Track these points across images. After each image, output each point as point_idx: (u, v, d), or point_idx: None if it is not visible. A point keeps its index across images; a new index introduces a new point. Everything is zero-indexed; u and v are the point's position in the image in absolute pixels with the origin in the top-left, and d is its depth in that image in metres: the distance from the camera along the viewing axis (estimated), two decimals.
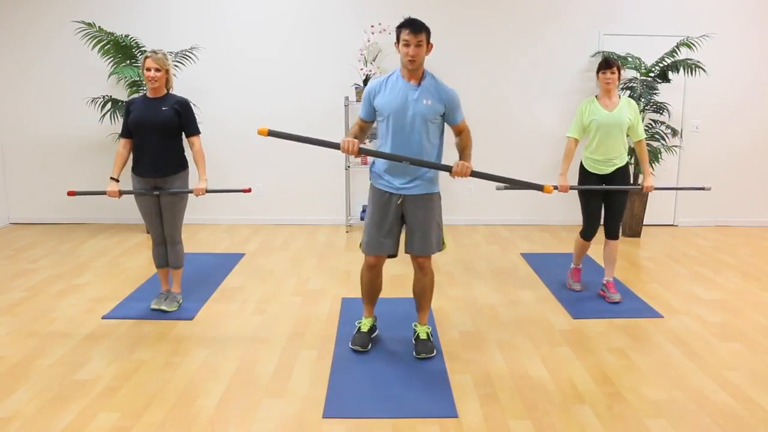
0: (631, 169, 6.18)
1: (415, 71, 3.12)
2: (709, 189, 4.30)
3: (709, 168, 6.56)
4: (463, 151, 3.26)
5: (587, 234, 4.35)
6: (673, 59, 6.01)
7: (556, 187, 4.00)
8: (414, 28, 3.04)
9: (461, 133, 3.27)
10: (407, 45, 3.04)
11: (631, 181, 4.32)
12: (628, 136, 4.22)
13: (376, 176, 3.30)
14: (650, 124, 6.25)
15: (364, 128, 3.28)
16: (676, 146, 6.33)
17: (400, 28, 3.08)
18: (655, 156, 6.06)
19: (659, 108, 6.14)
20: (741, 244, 5.90)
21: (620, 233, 4.36)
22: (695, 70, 5.93)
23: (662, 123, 6.20)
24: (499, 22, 6.33)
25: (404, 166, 3.15)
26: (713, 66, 6.22)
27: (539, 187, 3.17)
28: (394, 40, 3.17)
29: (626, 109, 4.13)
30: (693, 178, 6.56)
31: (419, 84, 3.13)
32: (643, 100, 5.98)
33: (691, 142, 6.49)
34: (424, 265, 3.35)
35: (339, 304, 4.22)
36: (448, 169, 3.11)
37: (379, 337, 3.60)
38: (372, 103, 3.21)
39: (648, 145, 6.09)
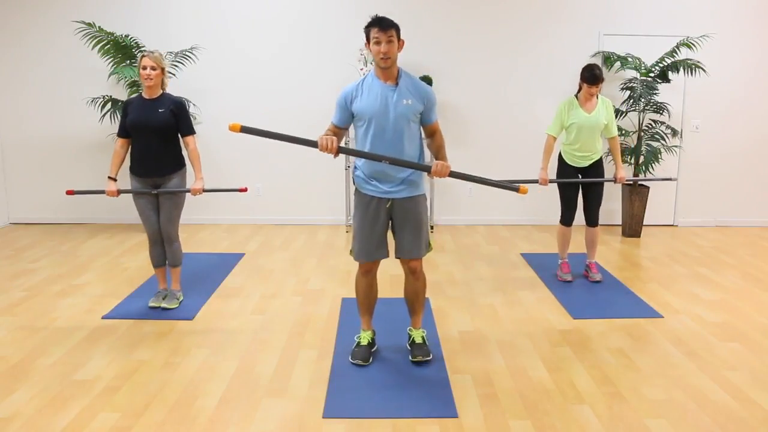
0: (633, 169, 6.21)
1: (389, 70, 3.04)
2: (675, 180, 4.94)
3: (709, 168, 6.56)
4: (439, 151, 3.18)
5: (566, 220, 4.74)
6: (673, 59, 6.01)
7: (536, 181, 4.51)
8: (382, 25, 2.98)
9: (434, 133, 3.20)
10: (378, 43, 2.98)
11: (605, 176, 4.71)
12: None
13: (361, 181, 3.21)
14: (650, 124, 6.25)
15: (338, 135, 3.15)
16: (676, 146, 6.33)
17: (368, 27, 3.02)
18: (655, 156, 6.06)
19: (659, 108, 6.14)
20: (741, 244, 5.91)
21: (599, 220, 4.74)
22: (695, 70, 5.93)
23: (662, 123, 6.20)
24: (498, 22, 6.33)
25: (390, 170, 3.09)
26: (713, 66, 6.22)
27: (515, 188, 3.04)
28: (365, 41, 3.09)
29: (603, 110, 4.49)
30: (693, 178, 6.56)
31: (396, 84, 3.07)
32: (643, 100, 5.98)
33: (691, 142, 6.49)
34: (416, 268, 3.30)
35: (339, 304, 4.22)
36: (426, 169, 3.05)
37: (379, 338, 3.59)
38: (349, 109, 3.11)
39: (648, 145, 6.11)
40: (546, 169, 4.55)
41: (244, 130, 2.87)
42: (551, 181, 4.56)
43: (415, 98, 3.08)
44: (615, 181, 4.62)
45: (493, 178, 3.31)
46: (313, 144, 2.98)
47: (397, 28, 3.03)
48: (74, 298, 4.32)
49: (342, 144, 3.22)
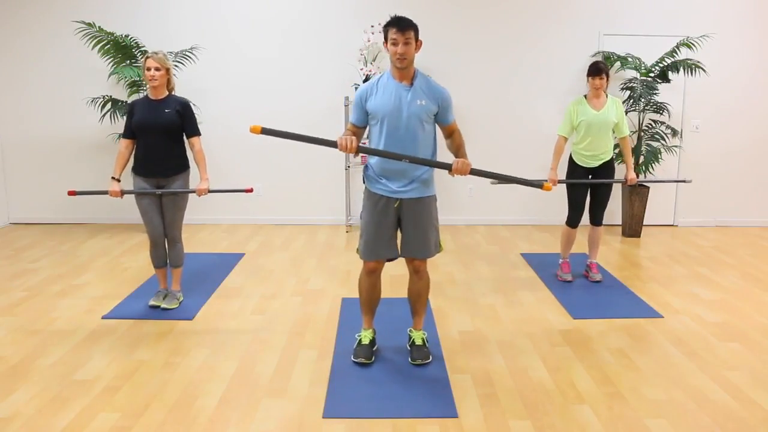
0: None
1: (405, 70, 3.06)
2: (690, 181, 4.83)
3: (709, 168, 6.56)
4: (458, 150, 3.19)
5: (572, 221, 4.69)
6: (673, 59, 6.01)
7: (545, 181, 4.39)
8: (401, 25, 2.98)
9: (453, 133, 3.21)
10: (395, 44, 2.98)
11: (615, 176, 4.72)
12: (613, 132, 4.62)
13: (371, 179, 3.22)
14: (650, 124, 6.25)
15: (357, 134, 3.17)
16: (676, 146, 6.33)
17: (387, 27, 3.03)
18: (655, 156, 6.06)
19: (659, 108, 6.14)
20: (741, 244, 5.90)
21: (603, 220, 4.74)
22: (695, 70, 5.93)
23: (662, 123, 6.21)
24: (499, 22, 6.33)
25: (401, 169, 3.10)
26: (713, 66, 6.22)
27: (539, 185, 3.09)
28: (383, 40, 3.11)
29: (612, 109, 4.48)
30: (693, 178, 6.55)
31: (411, 84, 3.08)
32: (643, 100, 5.98)
33: (691, 142, 6.49)
34: (420, 268, 3.31)
35: (339, 304, 4.23)
36: (447, 167, 3.06)
37: (379, 338, 3.59)
38: (364, 107, 3.13)
39: (648, 145, 6.11)
40: (555, 169, 4.54)
41: (265, 131, 2.87)
42: (560, 182, 4.54)
43: (429, 99, 3.09)
44: (626, 182, 4.62)
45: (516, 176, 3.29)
46: (332, 144, 2.98)
47: (415, 28, 3.02)
48: (74, 298, 4.32)
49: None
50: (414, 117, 3.06)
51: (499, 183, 4.38)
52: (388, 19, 3.06)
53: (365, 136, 3.42)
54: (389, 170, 3.13)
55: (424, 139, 3.13)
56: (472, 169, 3.06)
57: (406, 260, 3.34)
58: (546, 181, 3.12)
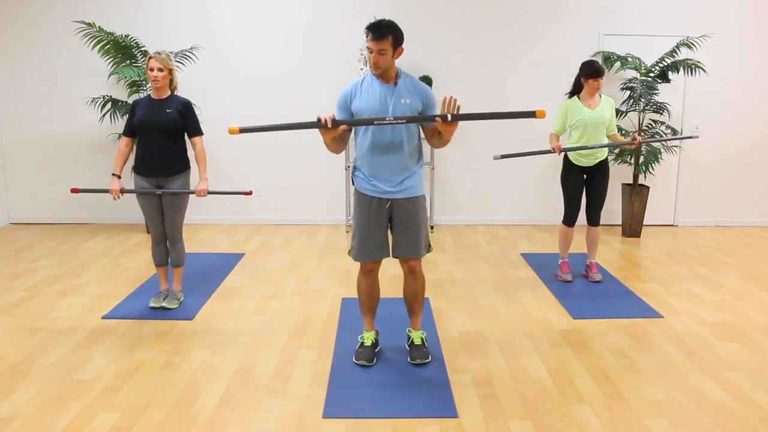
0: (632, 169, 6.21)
1: (386, 73, 3.05)
2: (697, 137, 5.02)
3: (709, 168, 6.56)
4: (442, 144, 3.14)
5: (569, 220, 4.72)
6: (673, 59, 6.01)
7: (551, 151, 4.46)
8: (376, 34, 2.93)
9: (438, 133, 3.12)
10: (370, 51, 2.98)
11: (609, 176, 4.72)
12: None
13: (361, 181, 3.21)
14: (650, 124, 6.25)
15: (343, 136, 3.13)
16: (676, 146, 6.33)
17: (366, 29, 2.98)
18: (655, 156, 6.06)
19: (659, 108, 6.14)
20: (741, 244, 5.90)
21: (600, 220, 4.74)
22: (695, 70, 5.93)
23: (662, 123, 6.20)
24: (499, 22, 6.33)
25: (389, 168, 3.10)
26: (713, 66, 6.22)
27: (532, 114, 2.84)
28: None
29: (607, 107, 4.53)
30: (693, 178, 6.56)
31: (395, 84, 3.08)
32: (643, 100, 5.98)
33: (691, 142, 6.49)
34: (415, 268, 3.31)
35: (339, 304, 4.23)
36: (438, 116, 2.89)
37: (379, 339, 3.59)
38: (349, 108, 3.12)
39: (648, 145, 6.11)
40: (557, 140, 4.54)
41: (243, 130, 2.89)
42: (563, 150, 4.44)
43: (414, 97, 3.09)
44: (632, 142, 4.52)
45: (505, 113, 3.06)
46: (313, 125, 2.95)
47: (394, 37, 2.96)
48: (74, 298, 4.32)
49: (344, 147, 3.23)
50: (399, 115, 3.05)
51: (501, 158, 4.35)
52: (371, 20, 3.00)
53: (351, 138, 3.37)
54: (379, 172, 3.13)
55: (409, 138, 3.13)
56: (462, 114, 2.88)
57: (400, 261, 3.33)
58: (539, 109, 2.89)
